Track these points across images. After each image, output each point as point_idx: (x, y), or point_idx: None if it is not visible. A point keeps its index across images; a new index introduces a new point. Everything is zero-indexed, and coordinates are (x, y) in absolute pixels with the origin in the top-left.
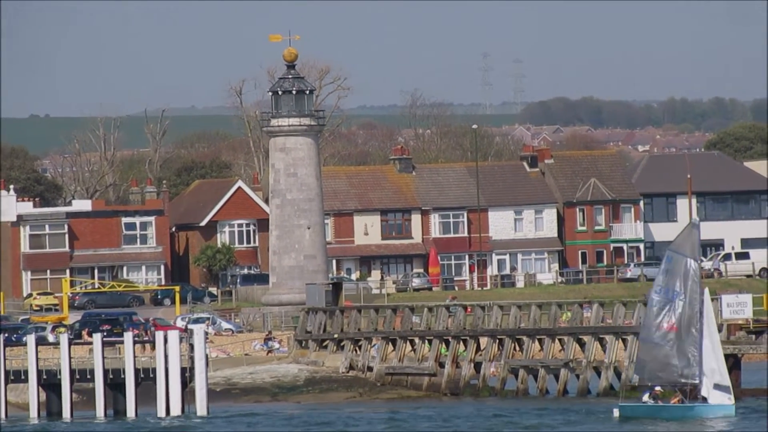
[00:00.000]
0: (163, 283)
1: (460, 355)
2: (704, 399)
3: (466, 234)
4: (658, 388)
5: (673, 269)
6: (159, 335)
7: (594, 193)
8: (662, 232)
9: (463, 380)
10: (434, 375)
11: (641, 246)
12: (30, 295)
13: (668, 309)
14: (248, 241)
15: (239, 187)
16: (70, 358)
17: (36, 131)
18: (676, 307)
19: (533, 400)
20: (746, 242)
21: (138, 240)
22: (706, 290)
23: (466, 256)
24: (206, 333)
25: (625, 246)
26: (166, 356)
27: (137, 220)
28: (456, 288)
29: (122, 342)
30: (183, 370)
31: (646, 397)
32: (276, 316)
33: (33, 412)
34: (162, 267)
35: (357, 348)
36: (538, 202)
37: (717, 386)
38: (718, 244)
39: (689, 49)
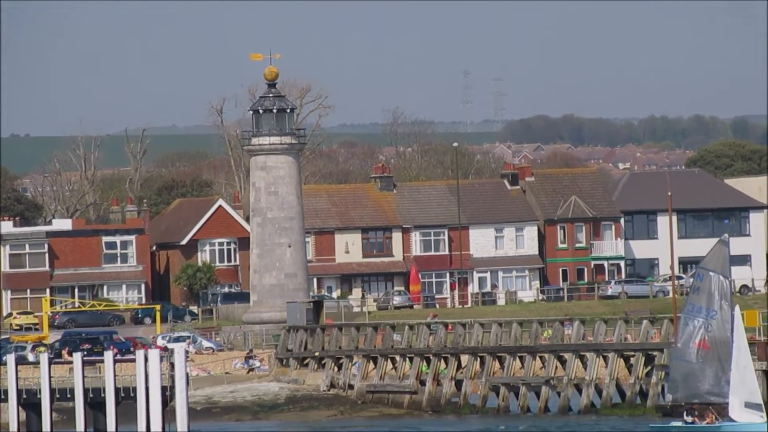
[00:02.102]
0: (143, 301)
1: (441, 373)
2: (731, 419)
3: (446, 252)
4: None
5: (704, 287)
6: (139, 354)
7: (575, 210)
8: (643, 249)
9: (444, 398)
10: (415, 393)
11: (622, 263)
12: (10, 314)
13: (701, 327)
14: (229, 260)
15: (220, 206)
16: (50, 377)
17: (16, 150)
18: (709, 324)
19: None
20: None
21: (118, 259)
22: (737, 307)
23: (447, 274)
24: (187, 351)
25: (605, 263)
26: (146, 375)
27: (118, 239)
28: (437, 306)
29: (102, 361)
30: (163, 388)
31: (686, 416)
32: (257, 335)
33: None
34: (142, 286)
35: (338, 366)
36: (519, 220)
37: (748, 404)
38: (698, 262)
39: (669, 67)
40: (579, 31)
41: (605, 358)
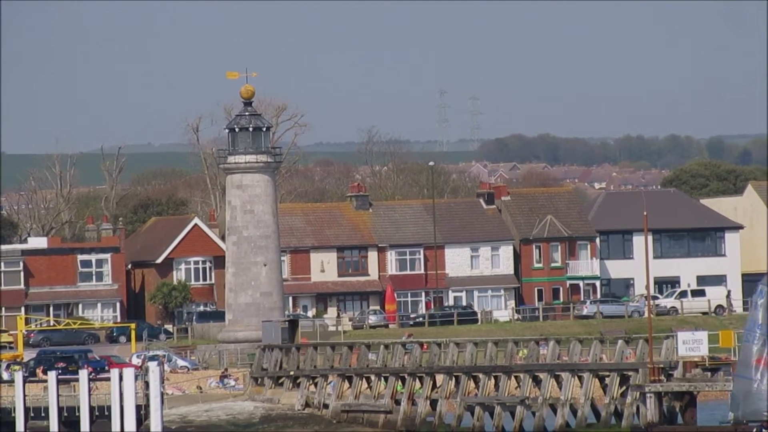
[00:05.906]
0: (118, 320)
1: (416, 393)
2: None
3: (422, 271)
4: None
5: (764, 303)
6: (114, 373)
7: (550, 230)
8: (618, 269)
9: (419, 417)
10: (390, 412)
11: (597, 283)
12: None
13: (762, 344)
14: (204, 279)
15: (195, 224)
16: (24, 395)
17: None
18: None
19: None
20: (702, 279)
21: (94, 277)
22: None
23: (423, 293)
24: (161, 370)
25: (581, 283)
26: (121, 394)
27: (93, 257)
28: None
29: (77, 380)
30: (138, 407)
31: None
32: (232, 354)
33: None
34: (118, 304)
35: (313, 385)
36: (495, 239)
37: None
38: (674, 282)
39: (645, 87)
40: (554, 50)
41: (580, 378)
